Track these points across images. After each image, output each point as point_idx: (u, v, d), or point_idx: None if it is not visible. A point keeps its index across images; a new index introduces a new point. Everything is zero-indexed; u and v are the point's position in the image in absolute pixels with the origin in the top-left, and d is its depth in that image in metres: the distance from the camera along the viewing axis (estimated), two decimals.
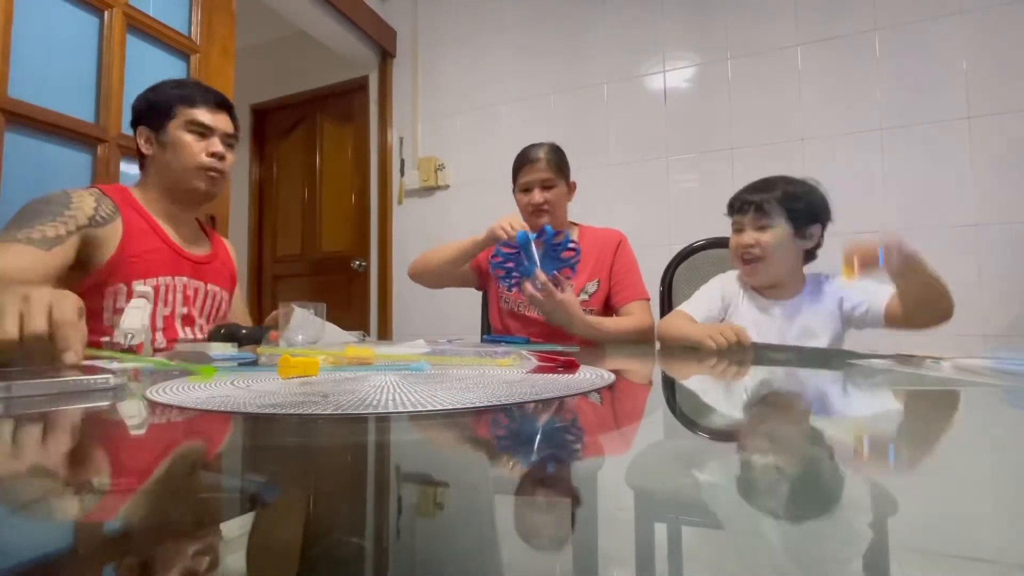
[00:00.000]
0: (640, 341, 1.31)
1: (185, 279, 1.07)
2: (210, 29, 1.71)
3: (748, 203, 1.10)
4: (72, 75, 1.38)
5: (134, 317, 0.75)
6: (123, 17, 1.46)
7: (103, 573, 0.15)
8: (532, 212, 1.38)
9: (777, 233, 1.08)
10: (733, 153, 2.13)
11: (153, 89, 1.07)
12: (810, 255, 1.14)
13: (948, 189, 1.84)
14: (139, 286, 0.87)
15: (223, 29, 1.75)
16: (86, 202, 0.95)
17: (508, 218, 1.22)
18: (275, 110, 3.38)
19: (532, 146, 1.40)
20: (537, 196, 1.35)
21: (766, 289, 1.15)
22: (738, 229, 1.13)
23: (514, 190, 1.43)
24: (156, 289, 1.00)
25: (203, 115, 1.05)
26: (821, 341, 1.08)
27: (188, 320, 1.07)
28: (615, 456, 0.29)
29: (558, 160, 1.38)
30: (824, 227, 1.12)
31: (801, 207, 1.08)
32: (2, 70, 1.22)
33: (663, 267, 1.57)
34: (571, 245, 1.17)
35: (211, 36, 1.71)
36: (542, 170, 1.35)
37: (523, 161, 1.38)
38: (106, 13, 1.43)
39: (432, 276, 1.41)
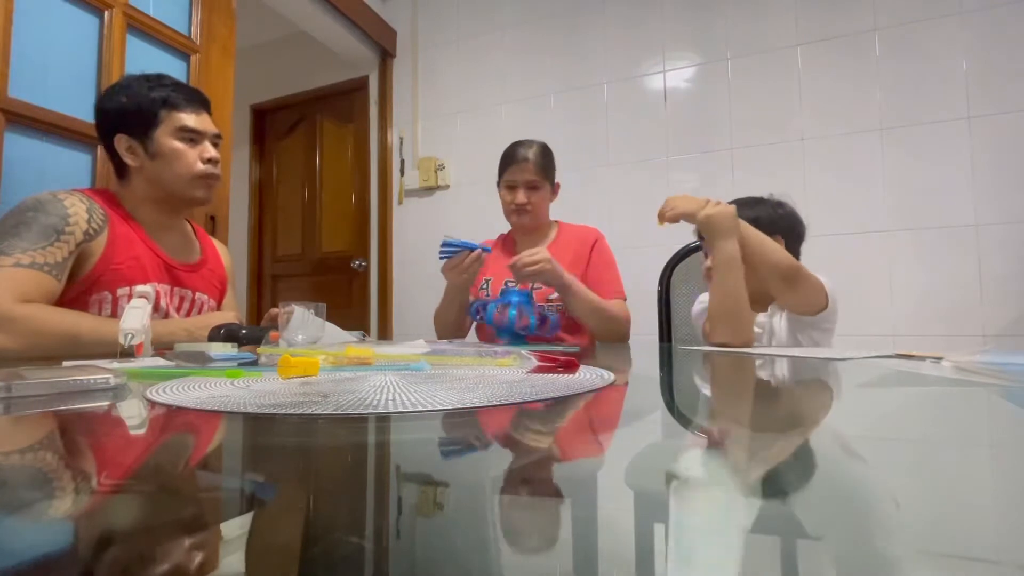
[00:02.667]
0: (615, 331, 1.29)
1: (169, 287, 1.04)
2: (210, 29, 1.71)
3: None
4: (72, 75, 1.38)
5: (134, 317, 0.75)
6: (123, 17, 1.46)
7: (102, 573, 0.15)
8: (514, 211, 1.38)
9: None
10: (733, 153, 2.13)
11: (124, 91, 0.99)
12: None
13: (948, 189, 1.84)
14: (139, 286, 0.86)
15: (223, 29, 1.75)
16: (80, 215, 0.92)
17: (449, 270, 1.21)
18: (275, 110, 3.38)
19: (521, 144, 1.39)
20: (521, 196, 1.36)
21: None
22: (706, 253, 1.16)
23: (499, 184, 1.42)
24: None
25: (190, 119, 1.01)
26: (788, 347, 1.09)
27: None
28: (615, 456, 0.29)
29: (545, 162, 1.38)
30: (788, 238, 1.14)
31: (757, 225, 1.08)
32: (2, 70, 1.22)
33: (662, 267, 1.57)
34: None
35: (211, 36, 1.71)
36: (529, 171, 1.35)
37: (511, 159, 1.37)
38: (106, 13, 1.43)
39: (452, 334, 1.38)
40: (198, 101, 1.04)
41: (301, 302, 0.73)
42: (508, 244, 1.51)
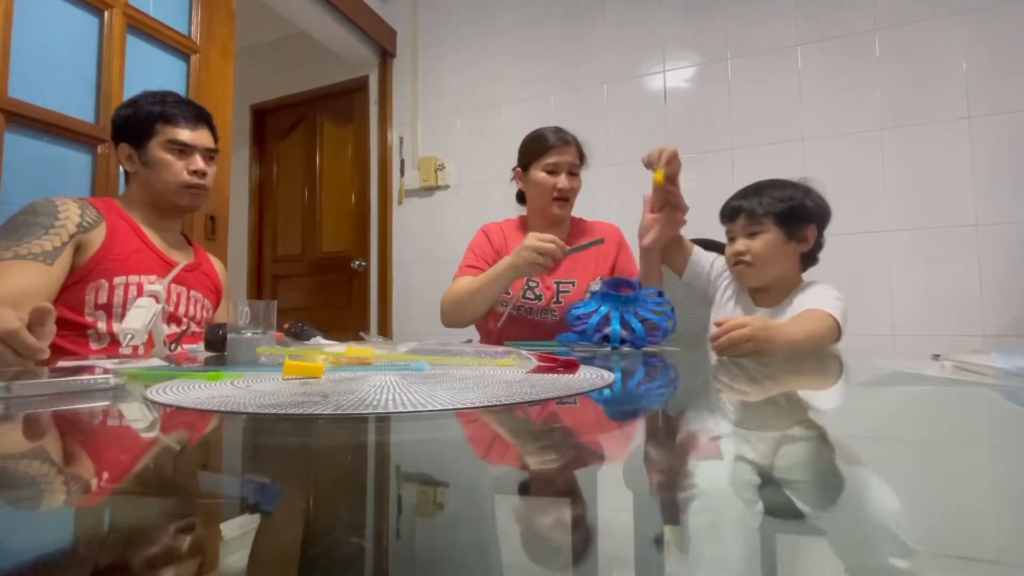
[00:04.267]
0: None
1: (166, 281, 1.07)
2: (210, 29, 1.70)
3: (737, 210, 1.10)
4: (72, 75, 1.38)
5: (136, 317, 0.74)
6: (123, 17, 1.46)
7: (103, 572, 0.15)
8: (556, 197, 1.30)
9: (766, 239, 1.07)
10: (733, 153, 2.12)
11: (133, 104, 1.09)
12: (810, 258, 1.12)
13: (948, 189, 1.84)
14: (149, 285, 0.87)
15: (223, 29, 1.75)
16: (71, 210, 0.98)
17: (535, 237, 1.08)
18: (275, 110, 3.38)
19: (558, 128, 1.33)
20: (564, 181, 1.29)
21: (756, 292, 1.14)
22: (731, 237, 1.13)
23: (525, 169, 1.33)
24: (139, 286, 1.00)
25: (183, 133, 1.08)
26: None
27: (173, 318, 1.07)
28: (614, 456, 0.29)
29: (581, 149, 1.35)
30: (820, 228, 1.09)
31: (790, 209, 1.06)
32: (2, 70, 1.22)
33: None
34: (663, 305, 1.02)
35: (211, 36, 1.71)
36: (572, 154, 1.31)
37: (552, 142, 1.30)
38: (106, 13, 1.43)
39: (469, 322, 1.31)
40: (194, 117, 1.11)
41: (251, 300, 0.72)
42: (523, 232, 1.41)
